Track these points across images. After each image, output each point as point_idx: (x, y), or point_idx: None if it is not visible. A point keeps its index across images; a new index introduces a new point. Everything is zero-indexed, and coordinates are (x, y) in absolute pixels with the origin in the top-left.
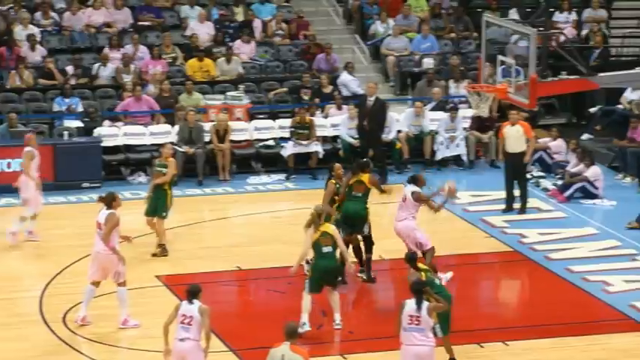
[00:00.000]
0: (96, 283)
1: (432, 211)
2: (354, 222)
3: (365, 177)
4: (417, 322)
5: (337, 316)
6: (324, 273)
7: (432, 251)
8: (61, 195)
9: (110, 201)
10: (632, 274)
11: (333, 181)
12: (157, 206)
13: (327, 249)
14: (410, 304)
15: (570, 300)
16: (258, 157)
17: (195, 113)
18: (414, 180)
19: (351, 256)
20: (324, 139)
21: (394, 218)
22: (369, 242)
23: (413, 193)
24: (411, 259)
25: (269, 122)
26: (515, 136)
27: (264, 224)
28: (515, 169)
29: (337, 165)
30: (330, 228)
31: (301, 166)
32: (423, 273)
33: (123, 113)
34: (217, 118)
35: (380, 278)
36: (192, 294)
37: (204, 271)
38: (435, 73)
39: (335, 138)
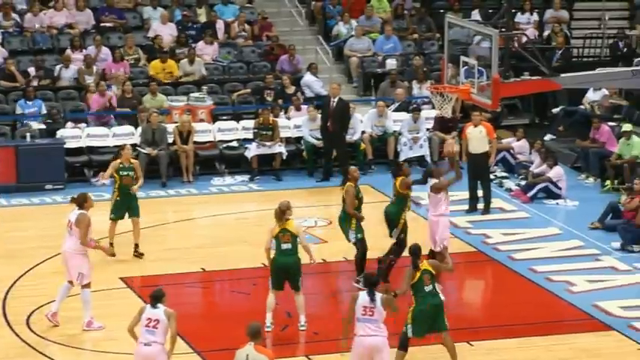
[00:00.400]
0: (71, 282)
1: (455, 180)
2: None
3: (397, 181)
4: (370, 314)
5: (302, 318)
6: (281, 270)
7: (443, 254)
8: (24, 197)
9: (82, 202)
10: (595, 274)
11: (352, 184)
12: (132, 208)
13: (285, 246)
14: (363, 295)
15: (534, 300)
16: (222, 158)
17: (158, 115)
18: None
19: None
20: (288, 141)
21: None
22: (398, 247)
23: (431, 187)
24: (413, 252)
25: (232, 123)
26: (478, 137)
27: (228, 225)
28: (478, 170)
29: (353, 168)
30: (292, 225)
31: (265, 168)
32: (418, 273)
33: (85, 115)
34: (180, 120)
35: (346, 281)
36: (155, 299)
37: (168, 273)
38: (398, 73)
39: (298, 139)
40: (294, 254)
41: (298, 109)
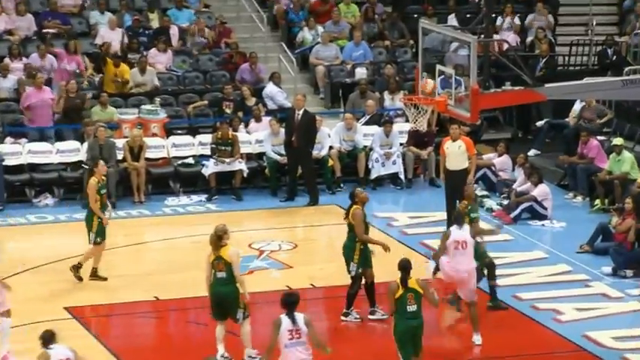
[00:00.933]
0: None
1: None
2: None
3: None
4: (297, 336)
5: (248, 352)
6: (217, 300)
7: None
8: None
9: None
10: (584, 302)
11: (359, 207)
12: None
13: (220, 274)
14: (285, 319)
15: (519, 330)
16: (177, 176)
17: (105, 129)
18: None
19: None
20: (249, 157)
21: (451, 265)
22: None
23: (470, 230)
24: (403, 267)
25: (188, 138)
26: (456, 153)
27: (184, 249)
28: (456, 188)
29: (359, 190)
30: (226, 252)
31: (224, 186)
32: (402, 290)
33: (25, 129)
34: (131, 134)
35: (312, 308)
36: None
37: (118, 302)
38: (369, 83)
39: (260, 155)
40: (230, 284)
41: (258, 120)
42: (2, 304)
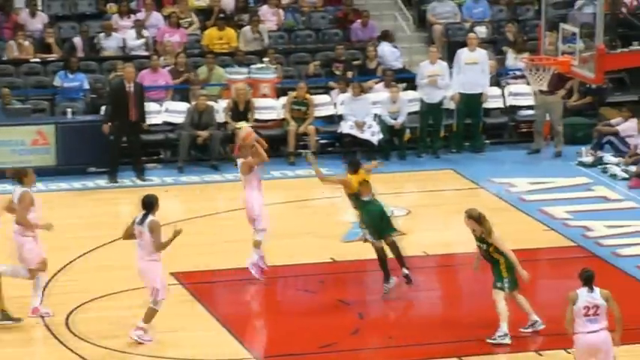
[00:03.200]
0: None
1: None
2: None
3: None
4: None
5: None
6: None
7: None
8: (64, 181)
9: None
10: None
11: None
12: None
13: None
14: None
15: None
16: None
17: (206, 97)
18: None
19: None
20: (330, 119)
21: None
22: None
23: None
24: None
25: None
26: None
27: (292, 215)
28: None
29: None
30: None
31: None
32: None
33: None
34: (235, 88)
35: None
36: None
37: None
38: (490, 42)
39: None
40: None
41: (388, 85)
42: (36, 255)
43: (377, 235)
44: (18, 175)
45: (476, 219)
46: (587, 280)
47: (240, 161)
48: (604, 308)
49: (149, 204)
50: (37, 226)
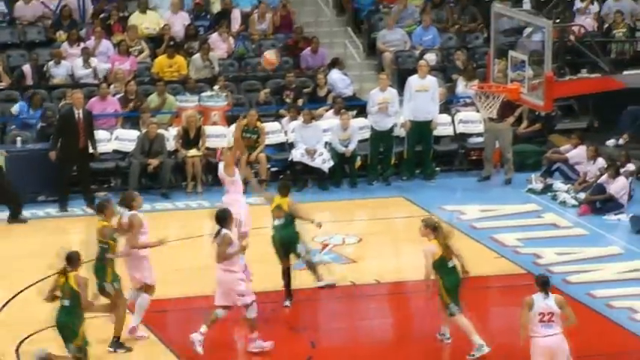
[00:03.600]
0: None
1: None
2: None
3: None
4: None
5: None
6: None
7: None
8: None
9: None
10: None
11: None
12: None
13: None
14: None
15: (593, 329)
16: None
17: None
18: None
19: None
20: (281, 147)
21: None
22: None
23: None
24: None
25: None
26: None
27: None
28: None
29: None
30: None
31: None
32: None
33: None
34: (185, 115)
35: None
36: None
37: (173, 297)
38: (439, 70)
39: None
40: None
41: (338, 112)
42: (144, 276)
43: (280, 256)
44: (126, 201)
45: (432, 228)
46: (543, 285)
47: (225, 149)
48: (558, 315)
49: (222, 219)
50: (149, 245)
